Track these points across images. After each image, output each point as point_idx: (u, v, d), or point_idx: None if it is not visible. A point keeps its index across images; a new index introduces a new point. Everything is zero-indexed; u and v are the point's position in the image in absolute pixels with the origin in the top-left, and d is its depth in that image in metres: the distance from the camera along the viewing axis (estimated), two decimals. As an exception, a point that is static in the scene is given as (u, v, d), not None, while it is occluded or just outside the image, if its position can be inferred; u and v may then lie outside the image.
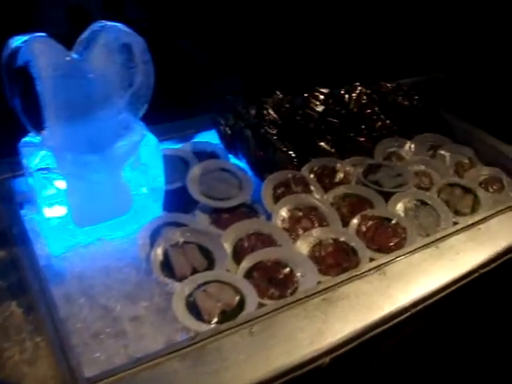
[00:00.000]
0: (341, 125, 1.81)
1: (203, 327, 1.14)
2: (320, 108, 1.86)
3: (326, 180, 1.63)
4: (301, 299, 1.16)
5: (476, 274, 1.32)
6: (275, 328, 1.10)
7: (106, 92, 1.23)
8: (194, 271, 1.28)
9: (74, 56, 1.19)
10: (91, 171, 1.25)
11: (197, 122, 1.82)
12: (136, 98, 1.27)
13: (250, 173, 1.60)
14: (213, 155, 1.67)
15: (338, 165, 1.66)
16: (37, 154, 1.25)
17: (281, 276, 1.29)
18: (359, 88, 2.00)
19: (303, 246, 1.38)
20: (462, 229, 1.44)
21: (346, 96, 1.98)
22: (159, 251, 1.31)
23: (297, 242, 1.39)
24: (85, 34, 1.22)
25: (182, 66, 2.32)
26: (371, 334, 1.12)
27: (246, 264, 1.31)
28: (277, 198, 1.52)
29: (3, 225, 1.33)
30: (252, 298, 1.21)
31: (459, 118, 2.02)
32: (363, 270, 1.26)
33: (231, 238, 1.38)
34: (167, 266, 1.29)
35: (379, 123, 1.88)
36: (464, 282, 1.30)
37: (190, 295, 1.21)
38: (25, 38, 1.13)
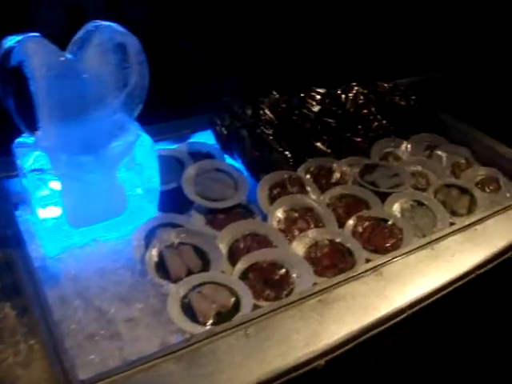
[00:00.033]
0: (337, 125, 1.80)
1: (198, 329, 1.13)
2: (316, 108, 1.85)
3: (323, 180, 1.62)
4: (296, 301, 1.15)
5: (472, 275, 1.32)
6: (270, 330, 1.09)
7: (100, 92, 1.22)
8: (189, 272, 1.28)
9: (68, 56, 1.18)
10: (86, 172, 1.24)
11: (193, 123, 1.81)
12: (131, 99, 1.27)
13: (245, 173, 1.60)
14: (208, 155, 1.66)
15: (335, 165, 1.65)
16: (31, 154, 1.24)
17: (276, 277, 1.29)
18: (356, 88, 2.00)
19: (299, 247, 1.38)
20: (458, 230, 1.43)
21: (343, 96, 1.97)
22: (154, 252, 1.30)
23: (293, 242, 1.39)
24: (79, 34, 1.22)
25: (180, 65, 2.32)
26: (367, 335, 1.11)
27: (241, 265, 1.30)
28: (273, 199, 1.51)
29: (-2, 226, 1.32)
30: (247, 300, 1.20)
31: (456, 118, 2.02)
32: (359, 271, 1.25)
33: (227, 238, 1.37)
34: (162, 268, 1.28)
35: (376, 123, 1.88)
36: (460, 283, 1.29)
37: (185, 297, 1.20)
38: (18, 37, 1.12)
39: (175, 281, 1.25)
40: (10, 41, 1.13)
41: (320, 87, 1.95)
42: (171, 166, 1.57)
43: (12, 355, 1.04)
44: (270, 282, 1.27)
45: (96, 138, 1.26)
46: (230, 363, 1.02)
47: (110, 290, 1.24)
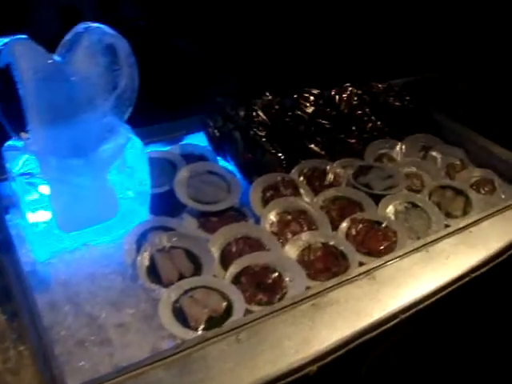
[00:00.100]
0: (331, 126, 1.79)
1: (190, 334, 1.12)
2: (310, 109, 1.84)
3: (316, 182, 1.61)
4: (288, 305, 1.14)
5: (467, 278, 1.30)
6: (262, 335, 1.08)
7: (89, 95, 1.21)
8: (181, 277, 1.26)
9: (57, 58, 1.17)
10: (76, 175, 1.23)
11: (185, 124, 1.79)
12: (121, 101, 1.25)
13: (238, 175, 1.58)
14: (201, 158, 1.65)
15: (328, 167, 1.64)
16: (20, 158, 1.23)
17: (269, 281, 1.27)
18: (350, 89, 1.99)
19: (292, 251, 1.37)
20: (452, 232, 1.42)
21: (337, 97, 1.96)
22: (145, 256, 1.29)
23: (285, 246, 1.38)
24: (68, 36, 1.20)
25: (172, 66, 2.30)
26: (359, 341, 1.10)
27: (233, 269, 1.29)
28: (265, 202, 1.50)
29: (-13, 230, 1.31)
30: (239, 304, 1.19)
31: (451, 119, 2.01)
32: (352, 275, 1.24)
33: (219, 242, 1.36)
34: (154, 272, 1.27)
35: (370, 124, 1.87)
36: (455, 286, 1.28)
37: (177, 301, 1.19)
38: (5, 40, 1.11)
39: (167, 285, 1.23)
40: (-2, 43, 1.12)
41: (313, 88, 1.94)
42: (163, 169, 1.56)
43: (1, 362, 1.03)
44: (263, 286, 1.26)
45: (86, 141, 1.25)
46: (221, 370, 1.01)
47: (101, 295, 1.23)
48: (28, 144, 1.20)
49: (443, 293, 1.26)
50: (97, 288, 1.25)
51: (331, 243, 1.39)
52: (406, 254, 1.32)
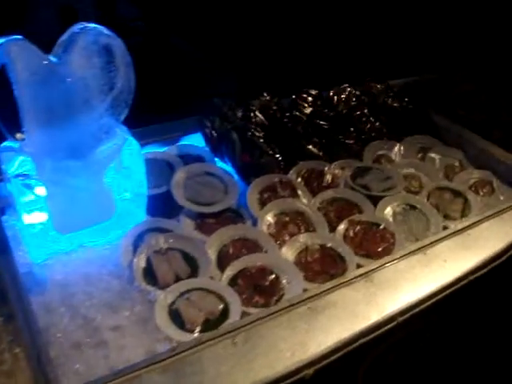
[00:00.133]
0: (329, 127, 1.78)
1: (186, 337, 1.12)
2: (308, 110, 1.84)
3: (314, 184, 1.60)
4: (285, 308, 1.13)
5: (465, 281, 1.30)
6: (258, 338, 1.07)
7: (85, 96, 1.20)
8: (178, 279, 1.26)
9: (52, 59, 1.16)
10: (72, 177, 1.22)
11: (182, 125, 1.79)
12: (117, 102, 1.24)
13: (235, 177, 1.58)
14: (198, 158, 1.64)
15: (326, 168, 1.64)
16: (16, 159, 1.22)
17: (266, 283, 1.27)
18: (348, 89, 1.98)
19: (289, 252, 1.36)
20: (451, 234, 1.41)
21: (335, 97, 1.95)
22: (142, 258, 1.28)
23: (283, 247, 1.37)
24: (64, 36, 1.19)
25: (169, 66, 2.30)
26: (356, 344, 1.09)
27: (230, 271, 1.28)
28: (263, 203, 1.49)
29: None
30: (236, 307, 1.19)
31: (450, 120, 2.00)
32: (350, 278, 1.23)
33: (216, 244, 1.36)
34: (150, 274, 1.26)
35: (368, 125, 1.86)
36: (453, 289, 1.27)
37: (173, 304, 1.19)
38: (1, 40, 1.10)
39: (163, 287, 1.23)
40: (-8, 43, 1.11)
41: (312, 88, 1.93)
42: (160, 170, 1.55)
43: (-4, 364, 1.02)
44: (260, 289, 1.25)
45: (82, 143, 1.24)
46: (217, 373, 1.00)
47: (97, 297, 1.22)
48: (24, 145, 1.19)
49: (441, 295, 1.25)
50: (93, 290, 1.24)
51: (329, 245, 1.38)
52: (403, 256, 1.32)
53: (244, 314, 1.18)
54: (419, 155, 1.84)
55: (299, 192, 1.55)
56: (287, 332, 1.08)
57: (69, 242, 1.33)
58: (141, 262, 1.28)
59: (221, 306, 1.19)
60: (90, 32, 1.18)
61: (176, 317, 1.16)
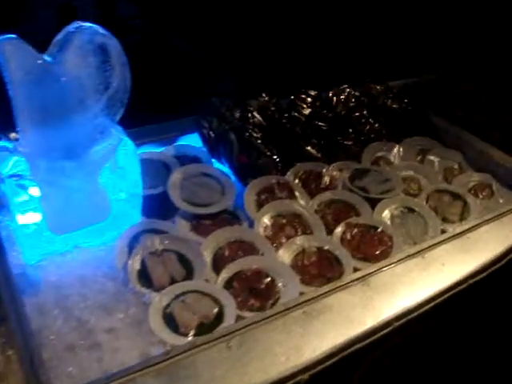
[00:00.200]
0: (328, 128, 1.77)
1: (180, 340, 1.11)
2: (307, 111, 1.82)
3: (312, 185, 1.59)
4: (280, 312, 1.12)
5: (464, 285, 1.28)
6: (253, 342, 1.06)
7: (80, 96, 1.19)
8: (173, 281, 1.24)
9: (47, 59, 1.14)
10: (67, 178, 1.21)
11: (179, 125, 1.78)
12: (112, 102, 1.23)
13: (233, 178, 1.56)
14: (195, 159, 1.63)
15: (324, 170, 1.62)
16: (10, 159, 1.21)
17: (262, 286, 1.26)
18: (347, 90, 1.97)
19: (286, 255, 1.35)
20: (449, 238, 1.40)
21: (334, 98, 1.94)
22: (137, 260, 1.27)
23: (279, 250, 1.36)
24: (59, 36, 1.18)
25: (166, 66, 2.28)
26: (352, 349, 1.08)
27: (225, 273, 1.27)
28: (260, 205, 1.48)
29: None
30: (231, 310, 1.18)
31: (449, 122, 1.99)
32: (346, 281, 1.22)
33: (211, 246, 1.34)
34: (145, 276, 1.25)
35: (367, 127, 1.84)
36: (451, 293, 1.26)
37: (167, 306, 1.18)
38: (-5, 39, 1.09)
39: (158, 289, 1.22)
40: (-14, 43, 1.10)
41: (311, 89, 1.92)
42: (157, 170, 1.54)
43: (-11, 367, 1.01)
44: (255, 292, 1.24)
45: (77, 143, 1.23)
46: (211, 377, 0.99)
47: (91, 299, 1.21)
48: (18, 145, 1.18)
49: (439, 300, 1.24)
50: (87, 291, 1.23)
51: (326, 248, 1.37)
52: (401, 260, 1.31)
53: (239, 318, 1.17)
54: (418, 157, 1.82)
55: (297, 194, 1.54)
56: (282, 336, 1.07)
57: (63, 243, 1.32)
58: (136, 263, 1.27)
59: (215, 310, 1.18)
60: (85, 31, 1.16)
61: (170, 320, 1.15)
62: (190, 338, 1.11)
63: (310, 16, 2.44)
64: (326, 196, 1.54)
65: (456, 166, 1.79)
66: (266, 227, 1.42)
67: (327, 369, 1.05)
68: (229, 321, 1.15)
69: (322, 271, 1.31)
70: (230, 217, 1.46)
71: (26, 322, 1.11)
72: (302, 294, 1.23)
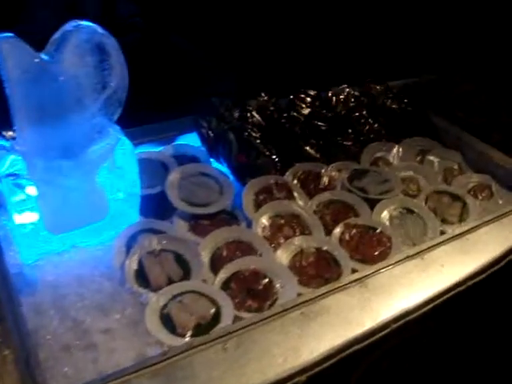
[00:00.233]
0: (327, 128, 1.76)
1: (177, 341, 1.10)
2: (306, 111, 1.81)
3: (311, 186, 1.58)
4: (278, 313, 1.11)
5: (463, 287, 1.28)
6: (251, 343, 1.05)
7: (78, 95, 1.18)
8: (170, 281, 1.24)
9: (44, 58, 1.14)
10: (64, 177, 1.21)
11: (178, 124, 1.77)
12: (110, 101, 1.23)
13: (231, 178, 1.56)
14: (194, 159, 1.62)
15: (323, 170, 1.61)
16: (7, 158, 1.21)
17: (259, 287, 1.25)
18: (347, 90, 1.96)
19: (284, 256, 1.34)
20: (448, 239, 1.39)
21: (334, 98, 1.93)
22: (134, 260, 1.27)
23: (277, 250, 1.35)
24: (57, 34, 1.17)
25: (165, 65, 2.28)
26: (350, 350, 1.07)
27: (223, 274, 1.26)
28: (258, 205, 1.47)
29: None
30: (228, 311, 1.17)
31: (449, 122, 1.98)
32: (344, 283, 1.21)
33: (209, 246, 1.34)
34: (142, 276, 1.25)
35: (367, 127, 1.84)
36: (450, 294, 1.25)
37: (164, 307, 1.17)
38: (-8, 38, 1.08)
39: (155, 290, 1.21)
40: (-17, 41, 1.09)
41: (310, 89, 1.91)
42: (155, 170, 1.53)
43: (-15, 366, 1.00)
44: (253, 292, 1.24)
45: (74, 143, 1.22)
46: (208, 378, 0.98)
47: (88, 299, 1.21)
48: (15, 144, 1.18)
49: (438, 301, 1.23)
50: (84, 291, 1.23)
51: (324, 248, 1.36)
52: (400, 261, 1.30)
53: (236, 319, 1.16)
54: (418, 158, 1.82)
55: (295, 194, 1.53)
56: (280, 337, 1.07)
57: (61, 243, 1.31)
58: (133, 263, 1.26)
59: (213, 310, 1.17)
60: (83, 30, 1.16)
61: (167, 321, 1.14)
62: (187, 339, 1.10)
63: (309, 15, 2.44)
64: (325, 196, 1.54)
65: (456, 167, 1.78)
66: (264, 227, 1.42)
67: (325, 370, 1.05)
68: (226, 321, 1.14)
69: (320, 272, 1.31)
70: (228, 217, 1.46)
71: (23, 321, 1.11)
72: (299, 295, 1.22)
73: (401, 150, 1.81)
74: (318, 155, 1.67)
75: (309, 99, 1.87)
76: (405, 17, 2.44)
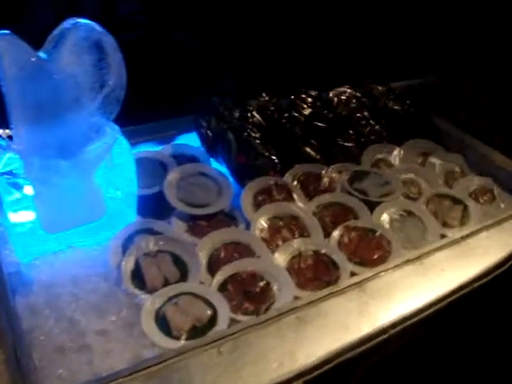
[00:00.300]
0: (328, 129, 1.75)
1: (172, 344, 1.09)
2: (307, 111, 1.80)
3: (310, 187, 1.57)
4: (274, 317, 1.10)
5: (463, 292, 1.26)
6: (247, 347, 1.04)
7: (75, 93, 1.17)
8: (166, 282, 1.23)
9: (42, 56, 1.13)
10: (61, 176, 1.19)
11: (178, 123, 1.76)
12: (108, 100, 1.21)
13: (230, 178, 1.54)
14: (193, 159, 1.61)
15: (323, 171, 1.60)
16: (2, 156, 1.20)
17: (257, 289, 1.24)
18: (349, 91, 1.94)
19: (282, 258, 1.32)
20: (449, 243, 1.38)
21: (335, 99, 1.92)
22: (130, 260, 1.26)
23: (276, 252, 1.34)
24: (55, 32, 1.16)
25: (164, 64, 2.27)
26: (347, 355, 1.06)
27: (220, 276, 1.25)
28: (257, 206, 1.46)
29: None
30: (224, 313, 1.16)
31: (452, 124, 1.96)
32: (342, 287, 1.20)
33: (207, 247, 1.33)
34: (138, 277, 1.23)
35: (368, 128, 1.82)
36: (450, 300, 1.24)
37: (160, 309, 1.16)
38: (-12, 35, 1.07)
39: (151, 291, 1.20)
40: (-21, 38, 1.08)
41: (311, 89, 1.90)
42: (154, 170, 1.52)
43: (-22, 367, 0.99)
44: (250, 295, 1.22)
45: (71, 142, 1.21)
46: (203, 382, 0.97)
47: (83, 299, 1.19)
48: (11, 143, 1.16)
49: (437, 307, 1.22)
50: (80, 292, 1.21)
51: (323, 251, 1.35)
52: (399, 265, 1.28)
53: (233, 321, 1.15)
54: (419, 160, 1.80)
55: (295, 196, 1.52)
56: (276, 341, 1.05)
57: (57, 242, 1.30)
58: (129, 264, 1.25)
59: (209, 313, 1.16)
60: (81, 28, 1.15)
61: (163, 323, 1.13)
62: (182, 342, 1.09)
63: (311, 15, 2.42)
64: (325, 198, 1.52)
65: (457, 170, 1.76)
66: (262, 229, 1.40)
67: (322, 375, 1.03)
68: (222, 324, 1.13)
69: (318, 275, 1.29)
70: (227, 218, 1.44)
71: (17, 321, 1.09)
72: (296, 298, 1.21)
73: (402, 151, 1.79)
74: (318, 156, 1.66)
75: (310, 99, 1.86)
76: (408, 17, 2.43)
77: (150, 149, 1.62)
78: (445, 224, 1.53)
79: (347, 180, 1.58)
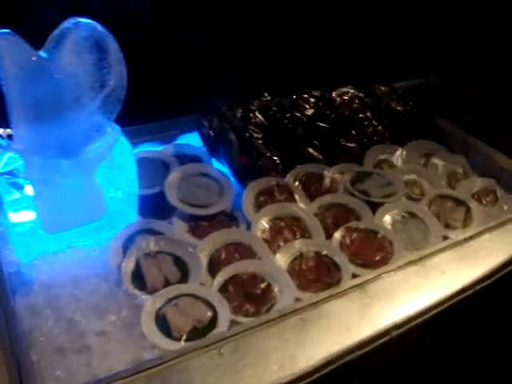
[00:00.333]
0: (330, 129, 1.74)
1: (172, 345, 1.08)
2: (309, 111, 1.79)
3: (312, 188, 1.56)
4: (275, 319, 1.09)
5: (465, 294, 1.25)
6: (247, 349, 1.04)
7: (76, 93, 1.17)
8: (167, 283, 1.22)
9: (42, 55, 1.12)
10: (62, 176, 1.19)
11: (180, 123, 1.75)
12: (109, 100, 1.21)
13: (232, 179, 1.54)
14: (194, 159, 1.60)
15: (325, 172, 1.59)
16: (3, 156, 1.19)
17: (257, 291, 1.23)
18: (351, 91, 1.94)
19: (283, 259, 1.32)
20: (451, 245, 1.37)
21: (338, 99, 1.91)
22: (131, 261, 1.25)
23: (277, 254, 1.33)
24: (56, 32, 1.16)
25: (166, 63, 2.26)
26: (348, 358, 1.05)
27: (221, 277, 1.24)
28: (259, 207, 1.46)
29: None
30: (225, 315, 1.15)
31: (455, 125, 1.95)
32: (344, 288, 1.19)
33: (208, 248, 1.32)
34: (139, 277, 1.23)
35: (371, 129, 1.81)
36: (452, 302, 1.23)
37: (160, 310, 1.16)
38: (-11, 34, 1.07)
39: (151, 292, 1.19)
40: (-20, 37, 1.07)
41: (314, 89, 1.89)
42: (155, 169, 1.51)
43: (-24, 367, 0.99)
44: (251, 296, 1.22)
45: (72, 141, 1.21)
46: (204, 383, 0.96)
47: (83, 300, 1.19)
48: (12, 143, 1.16)
49: (439, 309, 1.21)
50: (79, 292, 1.21)
51: (324, 252, 1.34)
52: (401, 266, 1.27)
53: (233, 323, 1.15)
54: (422, 161, 1.79)
55: (296, 196, 1.51)
56: (277, 343, 1.05)
57: (57, 242, 1.30)
58: (129, 264, 1.24)
59: (209, 314, 1.15)
60: (82, 27, 1.14)
61: (163, 324, 1.13)
62: (182, 343, 1.09)
63: (314, 15, 2.42)
64: (326, 199, 1.51)
65: (460, 171, 1.75)
66: (263, 230, 1.40)
67: (323, 377, 1.03)
68: (222, 326, 1.13)
69: (319, 276, 1.29)
70: (228, 219, 1.44)
71: (16, 322, 1.09)
72: (297, 299, 1.20)
73: (405, 152, 1.78)
74: (320, 157, 1.65)
75: (312, 100, 1.85)
76: (411, 17, 2.42)
77: (151, 149, 1.61)
78: (447, 225, 1.52)
79: (349, 181, 1.57)
